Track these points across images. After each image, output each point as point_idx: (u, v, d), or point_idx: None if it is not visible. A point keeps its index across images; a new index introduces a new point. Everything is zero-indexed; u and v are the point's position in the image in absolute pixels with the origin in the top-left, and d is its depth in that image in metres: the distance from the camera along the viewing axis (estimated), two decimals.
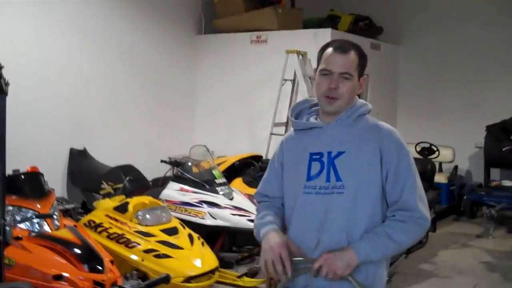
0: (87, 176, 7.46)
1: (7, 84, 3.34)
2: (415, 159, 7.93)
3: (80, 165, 7.67)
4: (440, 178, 9.34)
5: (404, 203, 2.40)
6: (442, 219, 9.18)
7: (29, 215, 4.52)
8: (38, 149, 7.27)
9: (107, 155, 7.95)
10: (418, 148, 9.44)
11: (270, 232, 2.48)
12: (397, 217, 2.40)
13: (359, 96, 2.63)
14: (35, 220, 4.62)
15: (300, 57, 8.32)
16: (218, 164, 7.60)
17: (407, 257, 6.85)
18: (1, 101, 3.28)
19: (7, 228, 3.41)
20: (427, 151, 9.35)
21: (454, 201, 9.70)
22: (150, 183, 7.70)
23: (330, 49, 2.48)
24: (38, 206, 4.70)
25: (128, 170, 7.31)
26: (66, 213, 6.14)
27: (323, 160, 2.45)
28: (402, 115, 11.01)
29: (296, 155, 2.55)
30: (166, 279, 2.36)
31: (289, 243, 2.44)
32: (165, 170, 7.45)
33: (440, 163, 9.92)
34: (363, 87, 2.56)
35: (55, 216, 4.79)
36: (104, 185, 7.10)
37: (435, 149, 9.34)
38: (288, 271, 2.38)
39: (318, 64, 2.53)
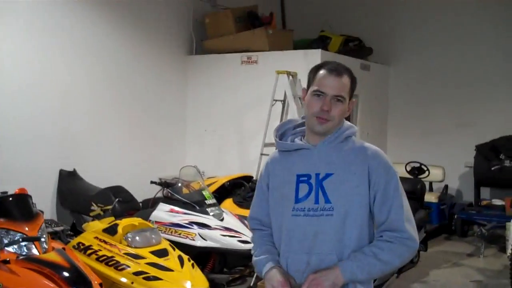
0: (77, 198, 7.43)
1: None
2: (406, 178, 8.00)
3: (70, 186, 7.64)
4: (430, 198, 9.35)
5: (391, 224, 2.41)
6: (433, 238, 9.18)
7: (16, 238, 4.47)
8: (27, 171, 7.23)
9: (97, 176, 7.92)
10: (408, 168, 9.47)
11: (271, 270, 2.50)
12: (384, 237, 2.41)
13: (347, 118, 2.64)
14: (23, 243, 4.57)
15: (290, 77, 8.35)
16: (209, 185, 7.58)
17: (399, 276, 6.85)
18: None
19: None
20: (417, 170, 9.38)
21: (445, 220, 9.71)
22: (140, 204, 7.67)
23: (324, 71, 2.50)
24: (26, 228, 4.65)
25: (118, 191, 7.29)
26: (55, 235, 6.10)
27: (311, 182, 2.45)
28: (392, 135, 11.04)
29: (282, 177, 2.54)
30: None
31: (290, 278, 2.46)
32: (155, 191, 7.43)
33: (431, 183, 9.94)
34: (351, 110, 2.58)
35: (43, 239, 4.75)
36: (94, 207, 7.08)
37: (425, 168, 9.37)
38: None
39: (310, 84, 2.55)
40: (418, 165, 9.46)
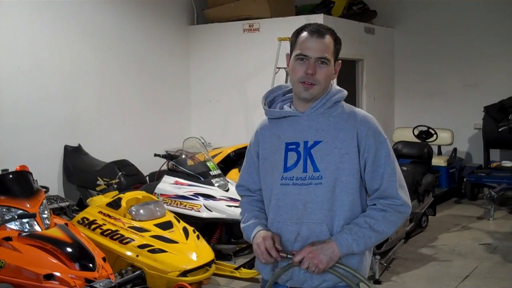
0: (83, 173, 7.44)
1: None
2: (413, 143, 7.92)
3: (75, 162, 7.64)
4: (439, 161, 9.28)
5: (384, 191, 2.36)
6: (443, 202, 9.13)
7: (15, 215, 4.47)
8: (33, 148, 7.25)
9: (102, 151, 7.93)
10: (416, 132, 9.37)
11: (258, 233, 2.43)
12: (377, 206, 2.36)
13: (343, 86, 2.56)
14: (25, 220, 4.57)
15: None
16: (214, 156, 7.55)
17: (407, 241, 6.84)
18: None
19: None
20: (425, 134, 9.28)
21: (454, 183, 9.64)
22: (147, 177, 7.67)
23: (305, 33, 2.38)
24: (27, 205, 4.65)
25: (123, 165, 7.29)
26: (61, 211, 6.11)
27: (299, 150, 2.38)
28: (399, 99, 10.92)
29: (272, 145, 2.47)
30: (140, 276, 2.31)
31: (274, 236, 2.39)
32: (161, 163, 7.40)
33: (439, 146, 9.84)
34: (337, 72, 2.47)
35: (45, 215, 4.75)
36: (100, 181, 7.06)
37: (433, 132, 9.26)
38: (277, 258, 2.35)
39: (292, 49, 2.43)
40: (425, 128, 9.35)
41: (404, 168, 7.32)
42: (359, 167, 2.37)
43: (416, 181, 7.10)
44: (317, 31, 2.37)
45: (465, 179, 9.44)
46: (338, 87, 2.51)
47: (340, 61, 2.47)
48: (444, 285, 5.64)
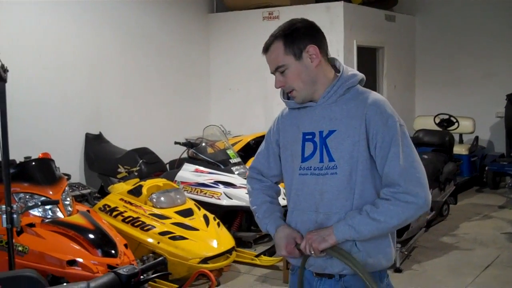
0: (103, 161, 7.49)
1: (6, 70, 3.30)
2: (434, 131, 7.82)
3: (96, 149, 7.70)
4: (460, 150, 9.20)
5: (387, 178, 2.28)
6: (464, 191, 9.07)
7: (39, 202, 4.51)
8: (54, 136, 7.31)
9: (123, 139, 7.97)
10: (437, 120, 9.29)
11: (278, 229, 2.45)
12: (382, 195, 2.29)
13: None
14: (48, 207, 4.62)
15: None
16: (233, 144, 7.56)
17: (427, 230, 6.80)
18: (1, 88, 3.24)
19: (15, 215, 3.40)
20: (446, 122, 9.20)
21: (476, 172, 9.56)
22: (167, 165, 7.70)
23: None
24: (50, 192, 4.69)
25: (143, 152, 7.32)
26: (82, 198, 6.17)
27: (315, 140, 2.36)
28: (421, 87, 10.84)
29: (292, 135, 2.46)
30: (162, 262, 2.32)
31: (295, 235, 2.40)
32: (181, 151, 7.43)
33: (461, 135, 9.75)
34: (317, 56, 2.34)
35: (67, 202, 4.79)
36: (121, 169, 7.12)
37: (455, 120, 9.18)
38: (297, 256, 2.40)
39: None
40: (447, 117, 9.27)
41: (425, 157, 7.27)
42: (370, 153, 2.30)
43: (437, 169, 7.05)
44: (265, 46, 2.37)
45: (486, 168, 9.36)
46: (352, 71, 2.42)
47: (310, 45, 2.33)
48: (465, 274, 5.61)
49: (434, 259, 6.06)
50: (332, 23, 8.42)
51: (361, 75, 2.42)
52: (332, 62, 2.45)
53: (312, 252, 2.29)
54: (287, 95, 2.48)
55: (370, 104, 2.30)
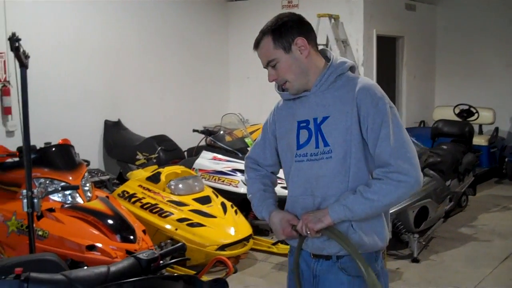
0: (122, 147, 7.54)
1: (27, 57, 3.33)
2: (453, 121, 7.74)
3: (115, 136, 7.75)
4: (480, 141, 9.11)
5: (378, 158, 2.33)
6: (483, 182, 8.99)
7: (59, 187, 4.55)
8: (74, 122, 7.37)
9: (141, 126, 8.01)
10: (457, 111, 9.20)
11: (271, 214, 2.53)
12: (374, 175, 2.35)
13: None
14: (67, 192, 4.66)
15: (332, 20, 8.15)
16: (251, 132, 7.55)
17: (446, 220, 6.77)
18: (23, 74, 3.27)
19: (35, 200, 3.44)
20: (466, 113, 9.10)
21: (495, 163, 9.47)
22: (185, 152, 7.73)
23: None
24: (70, 177, 4.73)
25: (161, 140, 7.36)
26: (101, 184, 6.22)
27: (310, 127, 2.43)
28: (441, 77, 10.74)
29: (287, 125, 2.54)
30: (182, 248, 2.34)
31: (289, 217, 2.48)
32: (199, 139, 7.45)
33: (480, 125, 9.66)
34: (306, 47, 2.40)
35: (86, 188, 4.82)
36: (139, 156, 7.16)
37: (474, 111, 9.08)
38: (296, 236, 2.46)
39: None
40: (467, 107, 9.18)
41: (444, 147, 7.23)
42: (362, 137, 2.36)
43: (457, 160, 7.00)
44: (255, 43, 2.47)
45: (506, 159, 9.26)
46: (341, 59, 2.48)
47: (298, 38, 2.39)
48: (483, 265, 5.57)
49: (452, 249, 6.03)
50: (352, 13, 8.36)
51: (351, 62, 2.48)
52: (323, 53, 2.51)
53: (308, 232, 2.36)
54: (281, 87, 2.55)
55: (360, 89, 2.36)
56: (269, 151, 2.64)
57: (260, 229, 6.40)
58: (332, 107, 2.39)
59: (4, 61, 6.65)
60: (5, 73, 6.68)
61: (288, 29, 2.39)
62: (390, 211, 5.58)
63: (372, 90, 2.37)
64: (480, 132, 9.66)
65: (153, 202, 5.52)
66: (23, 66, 3.29)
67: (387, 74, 9.60)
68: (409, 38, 9.67)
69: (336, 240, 2.33)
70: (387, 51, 9.48)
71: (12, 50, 3.31)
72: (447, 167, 6.73)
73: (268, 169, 2.68)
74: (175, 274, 1.85)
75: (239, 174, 6.44)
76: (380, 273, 2.45)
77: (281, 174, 2.71)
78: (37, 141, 5.35)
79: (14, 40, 3.28)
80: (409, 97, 9.98)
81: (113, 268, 2.07)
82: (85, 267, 2.39)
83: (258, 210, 2.59)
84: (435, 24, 10.66)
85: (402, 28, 9.50)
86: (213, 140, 6.98)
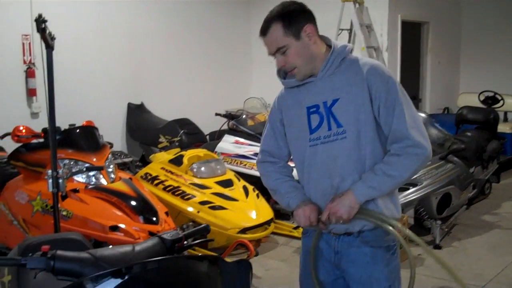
0: (145, 130, 7.58)
1: (53, 38, 3.34)
2: (478, 108, 7.66)
3: (138, 119, 7.79)
4: (505, 128, 9.00)
5: (396, 133, 2.44)
6: (507, 169, 8.88)
7: (84, 168, 4.59)
8: (98, 105, 7.42)
9: (164, 109, 8.04)
10: (482, 97, 9.07)
11: (300, 203, 2.57)
12: (392, 151, 2.45)
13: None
14: (91, 173, 4.69)
15: (357, 5, 8.06)
16: None
17: (469, 208, 6.71)
18: (48, 55, 3.29)
19: (60, 180, 3.47)
20: (491, 100, 8.97)
21: None
22: (207, 136, 7.75)
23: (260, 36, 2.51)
24: (94, 159, 4.76)
25: (184, 123, 7.39)
26: (124, 166, 6.26)
27: (320, 111, 2.51)
28: (465, 64, 10.61)
29: (295, 112, 2.59)
30: (205, 229, 2.35)
31: (317, 208, 2.55)
32: (221, 123, 7.46)
33: (505, 112, 9.55)
34: (313, 35, 2.47)
35: (110, 169, 4.85)
36: (162, 139, 7.20)
37: (500, 98, 8.95)
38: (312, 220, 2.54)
39: None
40: (492, 94, 9.04)
41: (469, 134, 7.16)
42: (374, 114, 2.46)
43: (481, 147, 6.94)
44: (262, 30, 2.48)
45: None
46: (341, 43, 2.56)
47: (306, 25, 2.44)
48: (506, 253, 5.52)
49: (474, 237, 5.98)
50: None
51: (350, 45, 2.58)
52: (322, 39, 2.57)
53: (340, 222, 2.44)
54: (284, 75, 2.62)
55: (369, 69, 2.47)
56: (282, 141, 2.69)
57: (281, 213, 6.40)
58: (340, 89, 2.47)
59: (30, 43, 6.71)
60: (30, 55, 6.74)
61: (297, 17, 2.44)
62: (413, 197, 5.58)
63: (380, 69, 2.48)
64: (505, 119, 9.56)
65: (175, 184, 5.55)
66: (49, 47, 3.30)
67: (411, 60, 9.50)
68: (434, 23, 9.56)
69: (368, 219, 2.46)
70: (411, 36, 9.38)
71: (38, 31, 3.33)
72: (471, 154, 6.67)
73: (284, 159, 2.73)
74: (200, 254, 1.87)
75: None
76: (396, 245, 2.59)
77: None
78: (62, 122, 5.38)
79: (40, 22, 3.29)
80: (433, 83, 9.87)
81: (138, 248, 2.08)
82: (111, 246, 2.41)
83: (286, 197, 2.63)
84: (460, 9, 10.51)
85: (427, 13, 9.38)
86: (235, 124, 6.98)
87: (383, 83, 2.44)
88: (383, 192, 2.47)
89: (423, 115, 6.65)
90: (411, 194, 5.59)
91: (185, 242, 2.23)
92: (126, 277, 1.80)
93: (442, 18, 9.84)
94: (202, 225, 2.40)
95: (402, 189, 5.52)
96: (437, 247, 5.57)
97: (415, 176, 5.59)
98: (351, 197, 2.43)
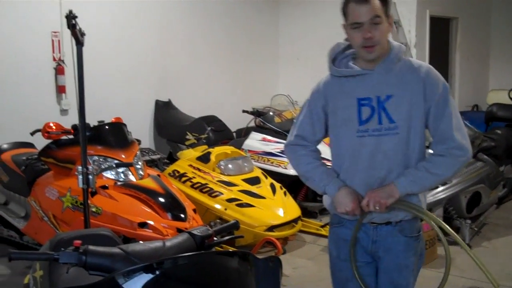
0: (172, 127, 7.61)
1: (83, 34, 3.38)
2: (508, 105, 7.55)
3: (165, 116, 7.82)
4: None
5: (442, 133, 2.56)
6: None
7: (113, 164, 4.61)
8: (126, 102, 7.47)
9: (191, 106, 8.06)
10: None
11: (340, 189, 2.62)
12: (435, 152, 2.59)
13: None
14: (120, 170, 4.71)
15: None
16: None
17: (498, 207, 6.63)
18: (79, 51, 3.32)
19: (90, 176, 3.50)
20: None
21: None
22: (234, 133, 7.75)
23: (352, 3, 2.49)
24: (122, 156, 4.78)
25: (211, 120, 7.40)
26: (152, 163, 6.29)
27: (372, 105, 2.57)
28: (495, 60, 10.45)
29: (342, 101, 2.63)
30: (235, 225, 2.35)
31: (358, 195, 2.62)
32: (248, 120, 7.46)
33: None
34: (392, 27, 2.59)
35: (138, 166, 4.87)
36: (189, 136, 7.22)
37: None
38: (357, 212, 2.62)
39: (345, 17, 2.55)
40: None
41: (499, 132, 7.06)
42: (425, 114, 2.58)
43: (511, 145, 6.82)
44: None
45: None
46: (397, 43, 2.65)
47: (392, 15, 2.57)
48: None
49: (505, 236, 5.90)
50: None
51: (404, 46, 2.69)
52: None
53: (377, 207, 2.53)
54: (338, 64, 2.65)
55: (426, 70, 2.58)
56: (318, 126, 2.73)
57: (308, 211, 6.39)
58: (395, 86, 2.56)
59: (59, 41, 6.78)
60: (59, 52, 6.81)
61: (389, 2, 2.53)
62: (442, 196, 5.52)
63: (435, 72, 2.61)
64: None
65: (203, 181, 5.56)
66: (79, 43, 3.34)
67: (439, 56, 9.40)
68: (463, 19, 9.44)
69: (406, 209, 2.57)
70: (439, 32, 9.27)
71: (68, 27, 3.36)
72: (501, 152, 6.58)
73: (315, 144, 2.79)
74: (230, 250, 1.87)
75: None
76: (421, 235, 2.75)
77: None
78: (90, 119, 5.42)
79: (71, 18, 3.33)
80: (462, 80, 9.76)
81: (168, 243, 2.09)
82: (141, 242, 2.43)
83: (322, 184, 2.68)
84: (491, 4, 10.36)
85: (456, 9, 9.27)
86: (262, 121, 6.97)
87: (437, 87, 2.56)
88: (423, 188, 2.61)
89: None
90: (440, 192, 5.53)
91: (215, 238, 2.24)
92: (157, 272, 1.80)
93: (472, 14, 9.71)
94: (232, 221, 2.40)
95: None
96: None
97: None
98: (392, 187, 2.54)
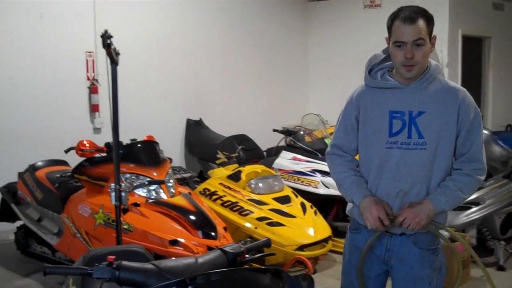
0: (203, 146, 7.66)
1: (117, 53, 3.43)
2: None
3: (196, 135, 7.88)
4: None
5: (472, 155, 2.67)
6: None
7: (145, 182, 4.65)
8: (157, 121, 7.57)
9: (222, 125, 8.11)
10: None
11: (366, 198, 2.69)
12: (464, 171, 2.67)
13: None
14: (152, 187, 4.75)
15: None
16: (331, 133, 7.48)
17: None
18: (113, 70, 3.38)
19: (123, 194, 3.54)
20: None
21: None
22: (264, 152, 7.76)
23: (398, 22, 2.56)
24: (154, 173, 4.82)
25: (242, 139, 7.42)
26: (183, 181, 6.32)
27: (404, 119, 2.64)
28: None
29: (374, 111, 2.71)
30: (267, 243, 2.35)
31: (384, 204, 2.67)
32: (278, 139, 7.47)
33: None
34: (434, 46, 2.65)
35: (170, 184, 4.90)
36: (220, 154, 7.25)
37: None
38: (387, 225, 2.65)
39: (389, 34, 2.63)
40: None
41: None
42: (455, 134, 2.66)
43: None
44: (409, 18, 2.54)
45: None
46: (434, 62, 2.72)
47: (435, 35, 2.64)
48: None
49: None
50: (437, 11, 8.15)
51: (440, 66, 2.77)
52: None
53: (415, 227, 2.58)
54: (374, 74, 2.72)
55: (462, 96, 2.67)
56: (352, 135, 2.81)
57: (339, 231, 6.34)
58: (428, 104, 2.63)
59: (93, 60, 6.90)
60: (93, 71, 6.93)
61: (432, 23, 2.61)
62: (476, 217, 5.46)
63: (470, 97, 2.70)
64: None
65: (233, 200, 5.57)
66: (114, 62, 3.40)
67: (471, 75, 9.31)
68: (496, 39, 9.35)
69: (436, 232, 2.65)
70: (472, 51, 9.20)
71: (104, 47, 3.42)
72: None
73: (352, 153, 2.87)
74: (262, 267, 1.86)
75: (318, 174, 6.41)
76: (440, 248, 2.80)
77: None
78: (123, 137, 5.48)
79: (106, 37, 3.39)
80: (495, 100, 9.65)
81: (200, 260, 2.10)
82: (174, 258, 2.44)
83: (350, 193, 2.76)
84: None
85: (489, 28, 9.20)
86: (293, 140, 6.97)
87: (471, 112, 2.66)
88: (452, 207, 2.71)
89: (486, 132, 6.48)
90: (474, 213, 5.45)
91: (247, 256, 2.24)
92: None
93: (505, 33, 9.62)
94: (264, 239, 2.40)
95: (464, 208, 5.40)
96: (501, 268, 5.40)
97: (478, 195, 5.50)
98: (429, 206, 2.60)
